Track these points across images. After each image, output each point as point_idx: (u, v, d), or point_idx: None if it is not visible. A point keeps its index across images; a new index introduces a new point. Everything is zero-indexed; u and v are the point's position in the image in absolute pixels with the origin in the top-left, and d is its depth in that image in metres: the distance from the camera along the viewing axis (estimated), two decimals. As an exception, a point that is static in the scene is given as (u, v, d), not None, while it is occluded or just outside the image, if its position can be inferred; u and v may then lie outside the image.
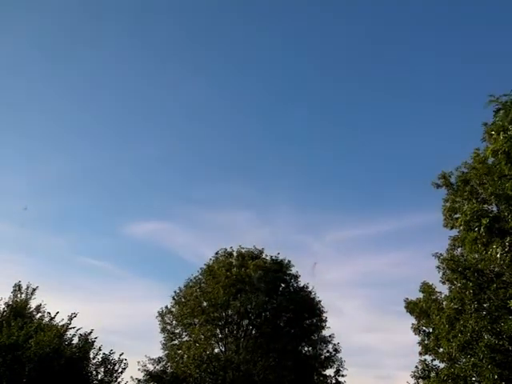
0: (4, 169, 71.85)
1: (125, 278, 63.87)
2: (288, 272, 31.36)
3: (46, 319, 22.59)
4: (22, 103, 75.32)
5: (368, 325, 59.73)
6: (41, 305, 23.65)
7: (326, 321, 30.94)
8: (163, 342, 30.42)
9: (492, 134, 9.04)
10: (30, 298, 24.06)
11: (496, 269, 18.77)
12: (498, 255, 11.01)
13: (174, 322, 30.68)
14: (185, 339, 30.20)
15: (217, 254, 31.84)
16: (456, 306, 19.88)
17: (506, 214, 13.39)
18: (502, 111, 8.93)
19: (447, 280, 20.92)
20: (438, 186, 21.55)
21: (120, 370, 22.40)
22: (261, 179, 77.36)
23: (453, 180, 21.22)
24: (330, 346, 30.32)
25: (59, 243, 70.06)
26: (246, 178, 79.28)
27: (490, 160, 17.97)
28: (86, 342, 21.70)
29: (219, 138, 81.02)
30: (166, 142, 78.46)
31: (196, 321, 29.61)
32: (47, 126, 78.28)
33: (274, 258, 31.41)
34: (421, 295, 22.72)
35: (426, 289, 22.29)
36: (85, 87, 78.68)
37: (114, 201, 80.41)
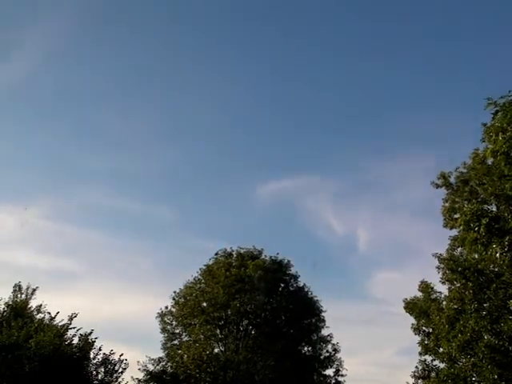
0: (125, 116, 63.68)
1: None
2: (287, 272, 31.39)
3: (46, 319, 22.57)
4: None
5: None
6: (41, 305, 23.65)
7: (325, 320, 31.00)
8: (163, 342, 30.46)
9: (491, 136, 9.09)
10: (30, 298, 24.06)
11: (496, 269, 18.80)
12: (498, 255, 11.01)
13: (173, 322, 30.71)
14: (185, 339, 30.25)
15: (216, 254, 31.90)
16: (456, 306, 19.89)
17: (505, 214, 13.42)
18: (500, 113, 8.98)
19: (447, 280, 20.94)
20: (438, 186, 21.58)
21: (120, 370, 22.41)
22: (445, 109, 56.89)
23: (452, 180, 21.26)
24: (330, 346, 30.38)
25: (161, 215, 58.49)
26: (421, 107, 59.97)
27: (490, 161, 18.06)
28: (87, 342, 21.69)
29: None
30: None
31: (196, 321, 29.61)
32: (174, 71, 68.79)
33: (273, 258, 31.43)
34: (419, 294, 22.74)
35: (425, 288, 22.28)
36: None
37: (228, 154, 64.46)
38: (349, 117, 61.94)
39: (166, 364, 29.17)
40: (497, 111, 8.95)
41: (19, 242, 55.78)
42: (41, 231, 57.64)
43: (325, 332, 30.73)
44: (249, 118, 66.59)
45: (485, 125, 9.94)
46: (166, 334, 30.55)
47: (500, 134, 8.67)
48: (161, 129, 66.37)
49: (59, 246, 58.12)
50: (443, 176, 21.39)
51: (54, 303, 41.48)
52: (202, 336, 29.51)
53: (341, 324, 52.41)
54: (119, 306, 51.78)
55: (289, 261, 31.59)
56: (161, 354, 29.92)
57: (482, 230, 10.96)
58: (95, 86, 69.17)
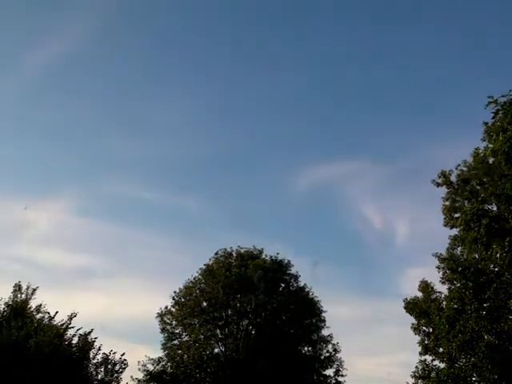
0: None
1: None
2: (288, 272, 31.38)
3: (46, 319, 22.53)
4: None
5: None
6: (41, 305, 23.59)
7: (325, 321, 30.99)
8: (163, 342, 30.45)
9: (492, 135, 9.05)
10: (30, 298, 23.98)
11: (496, 269, 18.80)
12: (498, 255, 10.99)
13: (173, 322, 30.67)
14: (185, 339, 30.21)
15: (216, 254, 31.88)
16: (456, 306, 19.89)
17: (506, 214, 13.39)
18: (501, 112, 8.94)
19: (447, 280, 20.93)
20: (439, 185, 21.49)
21: (120, 370, 22.38)
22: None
23: (453, 178, 21.16)
24: (330, 346, 30.35)
25: (190, 207, 54.77)
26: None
27: (490, 160, 18.01)
28: (86, 342, 21.66)
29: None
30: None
31: (196, 321, 29.62)
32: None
33: (273, 258, 31.43)
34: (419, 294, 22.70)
35: (425, 288, 22.25)
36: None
37: (262, 140, 59.20)
38: (399, 96, 56.33)
39: (165, 364, 29.17)
40: (498, 110, 8.90)
41: (43, 237, 54.39)
42: (64, 226, 55.73)
43: (325, 332, 30.77)
44: (286, 98, 60.35)
45: (486, 123, 9.91)
46: (166, 334, 30.54)
47: (500, 133, 8.63)
48: (192, 115, 62.84)
49: (83, 241, 56.29)
50: (444, 175, 21.30)
51: (78, 301, 40.63)
52: (202, 336, 29.49)
53: (372, 323, 50.92)
54: (145, 305, 50.96)
55: (289, 261, 31.65)
56: (160, 353, 29.98)
57: (482, 230, 10.94)
58: (132, 71, 66.82)
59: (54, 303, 30.15)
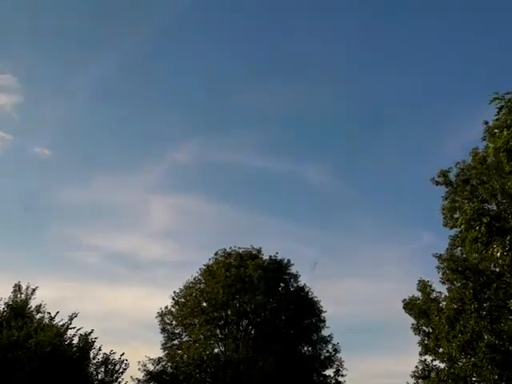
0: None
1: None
2: (287, 272, 31.39)
3: (46, 319, 22.52)
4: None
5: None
6: (41, 305, 23.60)
7: (325, 320, 31.01)
8: (163, 342, 30.46)
9: (494, 133, 9.06)
10: (30, 297, 23.98)
11: (496, 269, 18.82)
12: (499, 254, 10.99)
13: (173, 322, 30.70)
14: (185, 339, 30.24)
15: (216, 254, 31.89)
16: (456, 306, 19.92)
17: (506, 214, 13.39)
18: (505, 109, 8.95)
19: (447, 280, 20.95)
20: (438, 184, 21.51)
21: (120, 370, 22.39)
22: None
23: (452, 177, 21.17)
24: (330, 346, 30.37)
25: (311, 177, 45.48)
26: None
27: (490, 159, 18.03)
28: (87, 342, 21.66)
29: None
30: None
31: (196, 321, 29.60)
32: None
33: (273, 257, 31.44)
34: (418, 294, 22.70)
35: (424, 288, 22.26)
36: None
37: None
38: None
39: (165, 364, 29.18)
40: (501, 106, 8.91)
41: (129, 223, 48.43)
42: (155, 207, 48.42)
43: (325, 332, 30.78)
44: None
45: (486, 123, 9.90)
46: (166, 334, 30.57)
47: (505, 130, 8.64)
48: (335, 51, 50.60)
49: (178, 227, 49.57)
50: (443, 174, 21.32)
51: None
52: (201, 336, 29.48)
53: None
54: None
55: (289, 260, 31.64)
56: (160, 353, 29.98)
57: (482, 228, 10.93)
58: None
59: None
